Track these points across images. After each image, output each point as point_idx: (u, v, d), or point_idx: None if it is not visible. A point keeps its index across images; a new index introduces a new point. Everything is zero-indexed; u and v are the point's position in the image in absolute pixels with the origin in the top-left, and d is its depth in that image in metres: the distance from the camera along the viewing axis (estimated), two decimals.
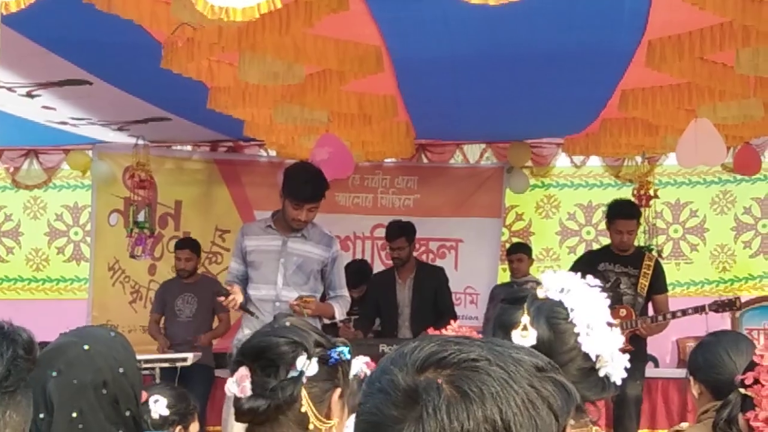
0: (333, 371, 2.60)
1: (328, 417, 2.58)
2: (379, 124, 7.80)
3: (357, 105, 7.07)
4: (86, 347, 2.77)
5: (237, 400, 2.54)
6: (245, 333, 6.50)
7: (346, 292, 6.77)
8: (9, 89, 6.98)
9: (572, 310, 2.38)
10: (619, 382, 2.41)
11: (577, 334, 2.37)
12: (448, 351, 1.27)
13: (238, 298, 6.37)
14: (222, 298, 6.56)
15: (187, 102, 7.49)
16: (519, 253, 9.43)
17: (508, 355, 1.28)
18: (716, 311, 7.98)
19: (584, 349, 2.37)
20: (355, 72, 6.03)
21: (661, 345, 9.52)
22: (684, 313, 7.94)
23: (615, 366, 2.40)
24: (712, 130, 6.80)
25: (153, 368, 7.16)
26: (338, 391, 2.60)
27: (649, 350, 8.53)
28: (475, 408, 1.24)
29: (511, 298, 2.51)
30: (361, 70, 5.98)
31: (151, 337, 9.25)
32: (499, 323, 2.45)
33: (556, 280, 2.45)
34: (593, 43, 5.84)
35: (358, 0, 4.96)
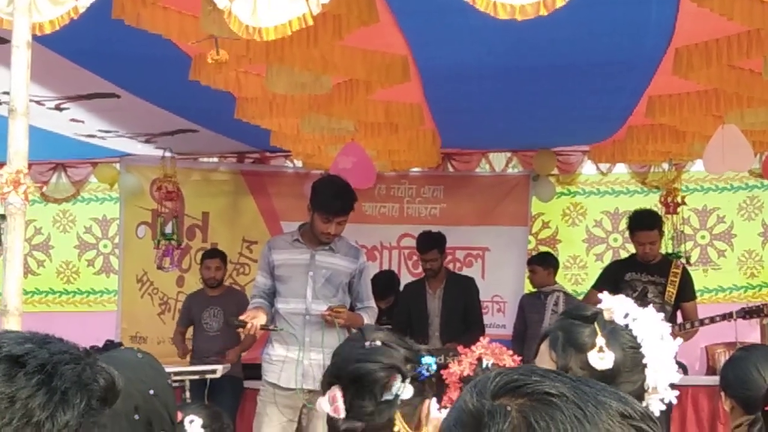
0: (422, 385, 2.62)
1: (418, 429, 2.60)
2: (405, 132, 7.80)
3: (384, 114, 7.07)
4: None
5: (331, 419, 2.57)
6: (275, 347, 6.53)
7: (373, 303, 6.77)
8: (38, 102, 7.02)
9: (643, 340, 2.43)
10: (657, 414, 2.42)
11: (645, 366, 2.42)
12: (527, 381, 1.24)
13: (257, 322, 6.29)
14: (240, 330, 6.57)
15: (214, 113, 7.52)
16: (532, 264, 9.38)
17: (593, 396, 1.22)
18: (743, 318, 7.93)
19: (647, 380, 2.42)
20: (382, 81, 6.04)
21: (690, 352, 9.45)
22: (712, 320, 7.90)
23: (660, 397, 2.45)
24: (739, 135, 6.77)
25: (183, 380, 7.16)
26: (426, 402, 2.63)
27: (678, 357, 8.40)
28: None
29: (576, 315, 2.52)
30: (388, 79, 5.99)
31: (174, 345, 9.27)
32: (569, 341, 2.46)
33: (616, 303, 2.46)
34: (619, 51, 5.83)
35: (385, 11, 4.98)
